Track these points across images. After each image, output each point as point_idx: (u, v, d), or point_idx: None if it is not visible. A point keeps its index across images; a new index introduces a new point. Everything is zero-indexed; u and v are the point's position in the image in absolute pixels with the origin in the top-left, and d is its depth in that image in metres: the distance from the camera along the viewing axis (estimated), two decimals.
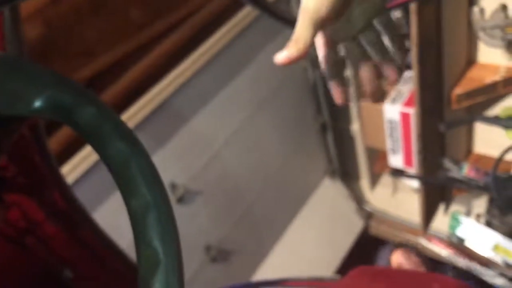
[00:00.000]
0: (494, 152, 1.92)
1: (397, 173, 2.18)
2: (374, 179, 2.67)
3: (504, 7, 1.65)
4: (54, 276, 0.87)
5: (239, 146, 2.19)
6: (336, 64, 0.55)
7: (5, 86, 0.38)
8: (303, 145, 2.59)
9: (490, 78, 1.82)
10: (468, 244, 1.99)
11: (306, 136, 2.59)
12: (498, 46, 1.72)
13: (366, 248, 2.58)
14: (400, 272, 1.11)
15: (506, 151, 1.62)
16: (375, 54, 0.58)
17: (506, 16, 1.65)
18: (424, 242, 2.23)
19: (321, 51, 0.55)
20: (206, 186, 2.06)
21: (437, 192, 2.20)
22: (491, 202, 1.93)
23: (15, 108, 0.38)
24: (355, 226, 2.68)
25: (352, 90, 2.26)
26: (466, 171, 1.87)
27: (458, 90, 1.86)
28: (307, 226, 2.60)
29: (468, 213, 2.24)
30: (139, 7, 1.76)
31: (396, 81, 0.61)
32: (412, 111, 1.91)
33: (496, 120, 1.78)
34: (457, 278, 1.73)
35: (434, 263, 2.01)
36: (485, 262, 1.98)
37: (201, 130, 2.02)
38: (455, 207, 2.29)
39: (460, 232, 1.99)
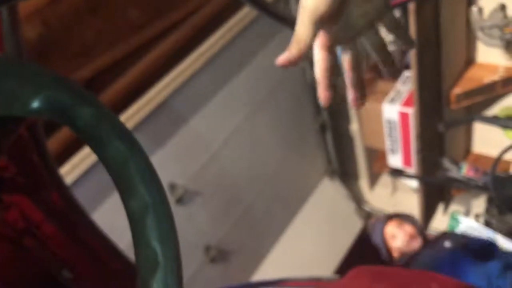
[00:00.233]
0: (493, 152, 1.92)
1: (396, 173, 2.18)
2: (373, 179, 2.68)
3: (502, 7, 1.65)
4: (53, 277, 0.87)
5: (238, 146, 2.19)
6: (329, 69, 0.55)
7: (2, 86, 0.38)
8: (302, 145, 2.59)
9: (488, 78, 1.82)
10: None
11: (305, 136, 2.59)
12: (497, 46, 1.72)
13: (365, 248, 2.58)
14: (399, 272, 1.11)
15: (505, 150, 1.62)
16: (376, 55, 0.58)
17: (505, 16, 1.65)
18: None
19: (317, 53, 0.55)
20: (205, 186, 2.06)
21: (436, 192, 2.20)
22: (490, 201, 1.93)
23: (13, 108, 0.38)
24: (355, 226, 2.68)
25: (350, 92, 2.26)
26: (465, 171, 1.88)
27: (457, 90, 1.86)
28: (306, 226, 2.60)
29: (467, 213, 2.25)
30: (138, 8, 1.75)
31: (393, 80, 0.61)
32: (411, 111, 1.91)
33: (495, 120, 1.78)
34: (455, 246, 1.73)
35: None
36: None
37: (200, 130, 2.02)
38: (454, 206, 2.29)
39: (459, 231, 1.99)
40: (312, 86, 2.42)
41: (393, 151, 2.14)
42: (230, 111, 2.13)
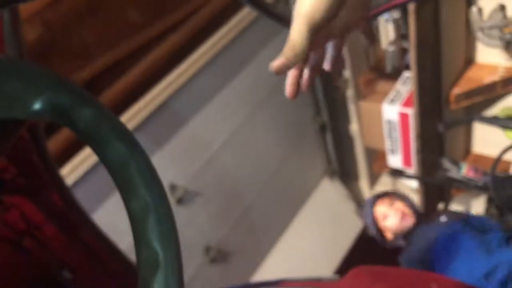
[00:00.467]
0: (493, 152, 1.92)
1: (396, 173, 2.18)
2: (373, 180, 2.67)
3: (502, 7, 1.66)
4: (53, 278, 0.87)
5: (238, 147, 2.19)
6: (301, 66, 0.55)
7: (3, 88, 0.38)
8: (302, 145, 2.60)
9: (488, 78, 1.82)
10: None
11: (305, 136, 2.60)
12: (497, 46, 1.72)
13: (366, 249, 2.58)
14: (399, 272, 1.11)
15: (505, 151, 1.62)
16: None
17: (504, 16, 1.66)
18: None
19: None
20: (205, 187, 2.07)
21: (436, 192, 2.20)
22: (490, 202, 1.93)
23: (14, 111, 0.38)
24: (355, 226, 2.68)
25: (350, 92, 2.26)
26: (465, 171, 1.88)
27: (457, 90, 1.86)
28: (306, 226, 2.60)
29: None
30: (138, 9, 1.76)
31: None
32: (410, 111, 1.91)
33: (494, 120, 1.78)
34: (452, 221, 1.66)
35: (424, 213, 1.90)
36: None
37: (200, 131, 2.02)
38: (454, 207, 2.29)
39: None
40: (312, 86, 2.42)
41: (393, 151, 2.14)
42: (230, 112, 2.13)
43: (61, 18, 1.53)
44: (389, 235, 1.82)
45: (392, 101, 2.00)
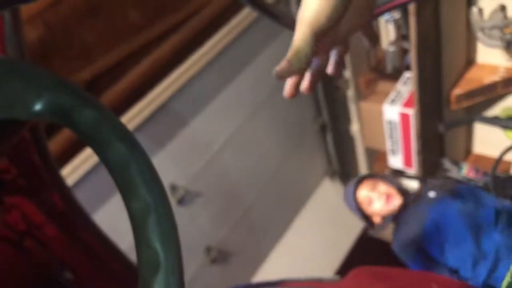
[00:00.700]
0: (494, 152, 1.92)
1: (397, 173, 2.18)
2: None
3: (503, 8, 1.66)
4: (54, 278, 0.87)
5: (239, 147, 2.19)
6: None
7: (4, 89, 0.38)
8: (302, 146, 2.60)
9: (489, 78, 1.82)
10: None
11: (305, 137, 2.60)
12: (497, 47, 1.72)
13: (366, 249, 2.58)
14: (400, 272, 1.11)
15: (506, 151, 1.61)
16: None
17: (505, 17, 1.66)
18: None
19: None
20: (206, 187, 2.07)
21: None
22: None
23: (15, 111, 0.38)
24: (355, 226, 2.68)
25: (351, 92, 2.27)
26: (466, 171, 1.88)
27: (457, 91, 1.86)
28: (307, 227, 2.60)
29: None
30: (139, 9, 1.76)
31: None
32: (411, 112, 1.91)
33: (495, 121, 1.78)
34: (441, 196, 1.62)
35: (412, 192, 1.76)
36: None
37: (201, 132, 2.02)
38: None
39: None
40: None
41: (393, 151, 2.14)
42: (231, 113, 2.13)
43: (62, 18, 1.53)
44: (377, 219, 1.74)
45: (393, 101, 2.00)
